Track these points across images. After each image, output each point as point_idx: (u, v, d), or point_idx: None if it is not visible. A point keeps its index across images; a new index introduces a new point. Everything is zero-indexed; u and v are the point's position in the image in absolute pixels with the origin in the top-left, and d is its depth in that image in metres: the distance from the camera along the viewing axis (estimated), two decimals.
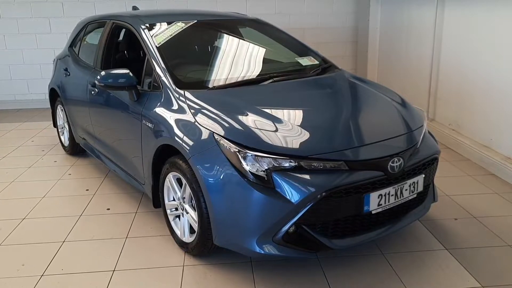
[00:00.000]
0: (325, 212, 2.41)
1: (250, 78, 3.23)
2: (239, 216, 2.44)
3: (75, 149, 4.72)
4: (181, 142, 2.67)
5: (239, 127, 2.56)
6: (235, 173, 2.42)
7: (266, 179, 2.38)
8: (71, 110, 4.46)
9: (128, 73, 3.15)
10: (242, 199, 2.41)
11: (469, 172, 4.13)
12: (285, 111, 2.79)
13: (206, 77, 3.25)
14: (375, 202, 2.49)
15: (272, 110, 2.75)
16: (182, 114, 2.80)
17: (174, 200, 2.98)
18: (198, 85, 3.09)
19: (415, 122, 2.88)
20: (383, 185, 2.51)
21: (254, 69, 3.39)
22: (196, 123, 2.67)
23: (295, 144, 2.47)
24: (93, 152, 4.20)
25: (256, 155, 2.41)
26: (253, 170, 2.40)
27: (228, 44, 3.81)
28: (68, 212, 3.53)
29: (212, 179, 2.49)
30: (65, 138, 4.89)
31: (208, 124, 2.63)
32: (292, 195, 2.34)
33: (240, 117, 2.64)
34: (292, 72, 3.46)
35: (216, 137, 2.54)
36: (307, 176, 2.37)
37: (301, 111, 2.85)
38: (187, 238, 2.86)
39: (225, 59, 3.56)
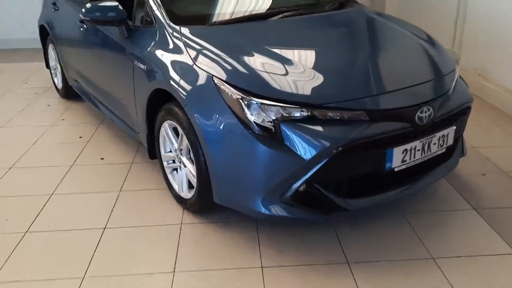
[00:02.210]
0: (341, 169, 2.10)
1: (256, 13, 2.81)
2: (242, 172, 2.14)
3: (69, 92, 4.37)
4: (176, 86, 2.32)
5: (243, 70, 2.20)
6: (237, 124, 2.09)
7: (273, 131, 2.05)
8: (61, 49, 4.07)
9: (117, 5, 2.75)
10: (245, 153, 2.09)
11: (497, 122, 3.75)
12: (297, 51, 2.40)
13: (206, 11, 2.83)
14: (398, 158, 2.16)
15: (282, 50, 2.37)
16: (178, 54, 2.43)
17: (171, 151, 2.68)
18: (197, 20, 2.70)
19: (446, 66, 2.49)
20: (409, 138, 2.17)
21: (261, 3, 2.96)
22: (193, 65, 2.31)
23: (308, 90, 2.12)
24: (86, 96, 3.87)
25: (262, 103, 2.06)
26: (259, 121, 2.06)
27: None
28: (59, 162, 3.26)
29: (211, 130, 2.17)
30: (58, 80, 4.53)
31: (207, 66, 2.26)
32: (304, 149, 2.01)
33: (244, 58, 2.27)
34: (305, 7, 3.03)
35: (215, 81, 2.18)
36: (321, 128, 2.04)
37: (315, 51, 2.46)
38: (185, 194, 2.58)
39: None
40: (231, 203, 2.29)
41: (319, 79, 2.18)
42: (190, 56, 2.35)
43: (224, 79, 2.17)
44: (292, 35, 2.62)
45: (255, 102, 2.07)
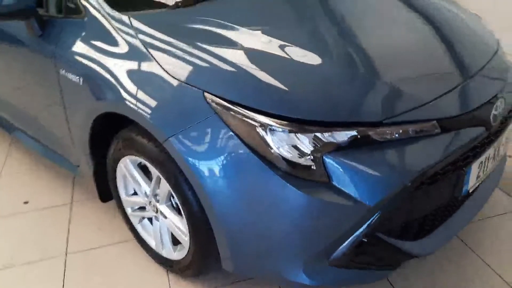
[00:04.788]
0: (414, 206, 1.47)
1: None
2: (268, 231, 1.42)
3: None
4: (143, 112, 1.51)
5: (252, 80, 1.44)
6: (255, 161, 1.36)
7: (313, 167, 1.36)
8: None
9: None
10: (271, 204, 1.38)
11: None
12: (321, 41, 1.65)
13: None
14: (474, 175, 1.58)
15: (299, 41, 1.61)
16: (135, 60, 1.58)
17: (136, 194, 1.89)
18: (143, 4, 1.83)
19: (493, 42, 1.90)
20: (484, 146, 1.59)
21: None
22: (167, 75, 1.50)
23: (358, 102, 1.42)
24: None
25: (291, 130, 1.35)
26: (290, 155, 1.36)
27: None
28: None
29: (212, 174, 1.41)
30: None
31: (192, 77, 1.47)
32: (365, 190, 1.35)
33: (248, 60, 1.50)
34: None
35: (210, 99, 1.41)
36: (384, 154, 1.38)
37: (345, 38, 1.69)
38: (170, 253, 1.82)
39: None
40: (252, 272, 1.59)
41: (368, 82, 1.48)
42: (157, 62, 1.53)
43: (224, 95, 1.41)
44: (289, 11, 1.85)
45: (281, 129, 1.35)
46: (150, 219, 1.92)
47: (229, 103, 1.39)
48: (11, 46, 2.10)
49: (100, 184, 2.00)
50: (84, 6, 1.74)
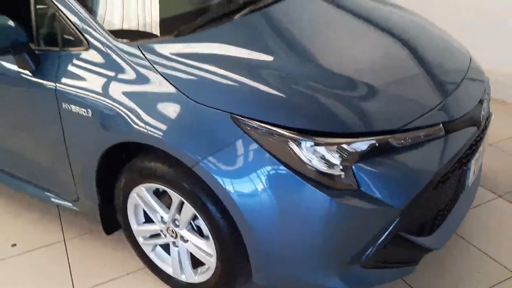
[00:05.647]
0: (430, 204, 1.61)
1: (216, 13, 1.93)
2: (305, 242, 1.49)
3: None
4: (168, 139, 1.53)
5: (275, 99, 1.52)
6: (290, 176, 1.43)
7: (343, 176, 1.45)
8: None
9: (9, 23, 1.75)
10: (308, 214, 1.45)
11: None
12: (329, 58, 1.76)
13: (151, 17, 1.96)
14: (472, 171, 1.76)
15: (311, 59, 1.72)
16: (152, 88, 1.60)
17: (147, 222, 1.88)
18: (147, 34, 1.85)
19: (464, 49, 2.12)
20: (477, 143, 1.77)
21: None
22: (187, 100, 1.54)
23: (377, 113, 1.54)
24: None
25: (318, 142, 1.44)
26: (321, 167, 1.44)
27: None
28: None
29: (247, 194, 1.46)
30: None
31: (215, 100, 1.52)
32: (391, 194, 1.46)
33: (267, 79, 1.57)
34: None
35: (239, 121, 1.47)
36: (401, 159, 1.50)
37: (350, 54, 1.82)
38: (191, 277, 1.83)
39: None
40: (285, 283, 1.64)
41: (381, 93, 1.61)
42: (177, 89, 1.56)
43: (252, 116, 1.47)
44: (296, 33, 1.90)
45: (310, 143, 1.44)
46: (163, 246, 1.91)
47: (258, 123, 1.45)
48: None
49: (105, 216, 1.96)
50: (87, 39, 1.73)
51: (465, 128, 1.67)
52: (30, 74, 1.85)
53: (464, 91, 1.75)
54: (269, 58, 1.69)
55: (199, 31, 1.79)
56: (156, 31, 1.85)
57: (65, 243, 2.25)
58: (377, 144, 1.48)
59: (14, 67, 1.88)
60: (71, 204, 2.10)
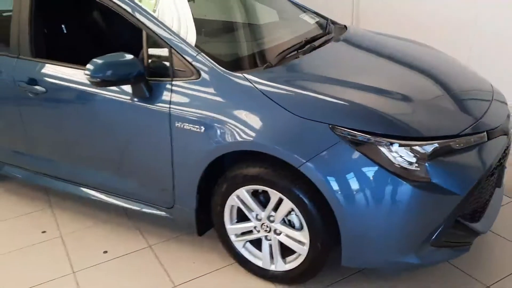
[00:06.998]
0: (481, 194, 2.07)
1: (288, 46, 2.44)
2: (393, 227, 1.90)
3: None
4: (277, 145, 1.94)
5: (363, 111, 1.97)
6: (380, 172, 1.85)
7: (420, 171, 1.87)
8: None
9: (134, 59, 2.17)
10: (396, 203, 1.86)
11: None
12: (388, 78, 2.28)
13: (243, 52, 2.41)
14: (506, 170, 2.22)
15: (370, 81, 2.19)
16: (260, 107, 2.02)
17: (239, 222, 2.24)
18: (247, 64, 2.30)
19: (483, 78, 2.64)
20: (508, 148, 2.24)
21: (281, 35, 2.67)
22: (292, 115, 1.95)
23: (441, 122, 2.01)
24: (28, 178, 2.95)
25: (401, 144, 1.87)
26: (405, 164, 1.86)
27: (239, 9, 2.95)
28: (49, 275, 2.42)
29: (347, 189, 1.87)
30: None
31: (315, 114, 1.95)
32: (456, 184, 1.89)
33: (351, 98, 2.02)
34: (314, 33, 2.72)
35: (336, 130, 1.89)
36: (461, 158, 1.95)
37: (404, 78, 2.34)
38: (281, 266, 2.18)
39: (247, 28, 2.69)
40: (371, 263, 2.03)
41: (441, 109, 2.10)
42: (281, 106, 1.98)
43: (348, 126, 1.89)
44: (354, 64, 2.44)
45: (397, 145, 1.87)
46: (252, 242, 2.26)
47: (353, 131, 1.88)
48: (103, 107, 2.38)
49: (199, 219, 2.32)
50: (198, 70, 2.14)
51: (499, 136, 2.14)
52: (143, 100, 2.24)
53: (495, 108, 2.23)
54: (347, 79, 2.18)
55: (284, 62, 2.27)
56: (251, 63, 2.29)
57: (151, 248, 2.56)
58: (440, 147, 1.91)
59: (126, 96, 2.27)
60: (163, 212, 2.44)
